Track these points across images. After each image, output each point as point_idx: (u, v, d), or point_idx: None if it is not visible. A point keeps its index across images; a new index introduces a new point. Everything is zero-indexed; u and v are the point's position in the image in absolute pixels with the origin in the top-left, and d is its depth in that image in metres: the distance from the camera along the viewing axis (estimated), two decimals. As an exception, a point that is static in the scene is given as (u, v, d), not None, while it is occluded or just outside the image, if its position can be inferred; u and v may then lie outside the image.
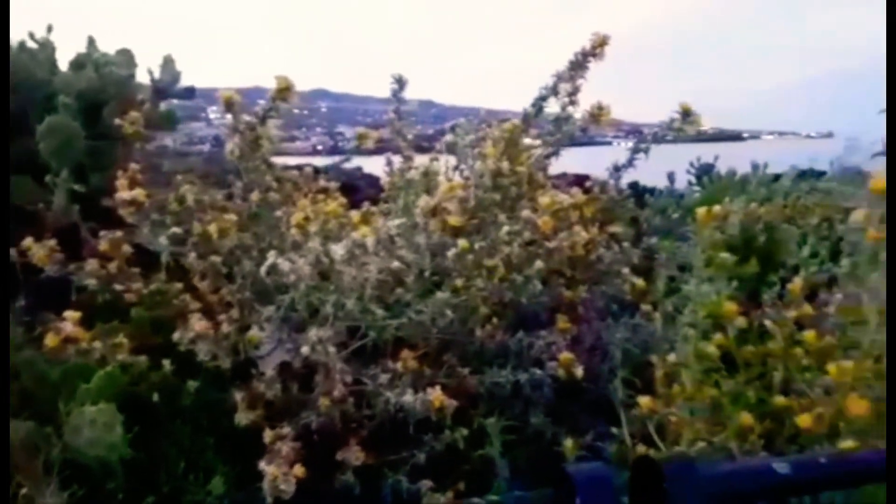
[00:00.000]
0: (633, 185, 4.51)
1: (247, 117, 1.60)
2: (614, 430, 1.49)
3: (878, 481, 1.12)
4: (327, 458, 1.56)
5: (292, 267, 1.33)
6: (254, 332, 1.40)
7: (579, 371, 1.64)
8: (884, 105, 1.37)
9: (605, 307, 2.10)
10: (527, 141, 2.06)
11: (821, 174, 4.13)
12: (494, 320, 1.87)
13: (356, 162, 3.46)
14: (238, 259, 1.62)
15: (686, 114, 1.79)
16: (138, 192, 1.60)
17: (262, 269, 1.34)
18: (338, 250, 1.31)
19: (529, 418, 1.81)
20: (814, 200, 2.25)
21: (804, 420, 1.22)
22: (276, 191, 1.68)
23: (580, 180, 2.50)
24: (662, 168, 3.78)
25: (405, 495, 1.52)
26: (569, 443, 1.37)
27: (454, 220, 1.42)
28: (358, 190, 2.99)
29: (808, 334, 1.34)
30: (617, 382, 1.52)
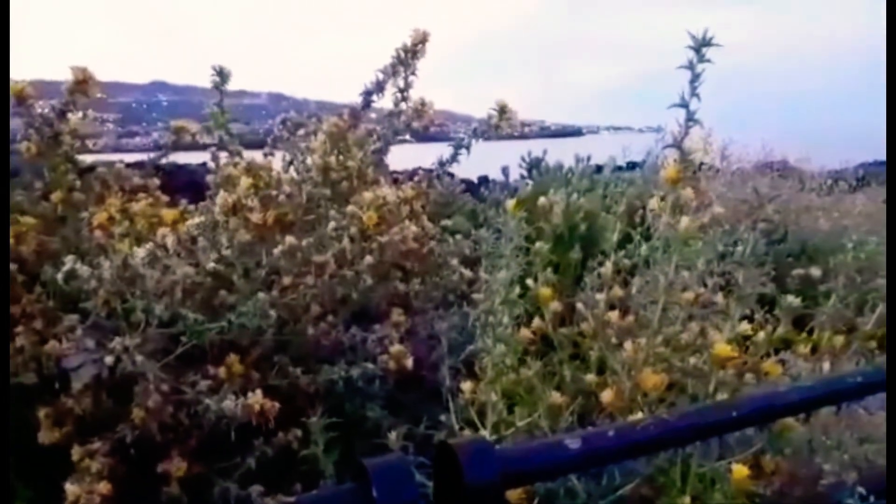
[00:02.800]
0: (484, 179, 4.65)
1: (42, 112, 1.48)
2: (443, 417, 1.53)
3: (664, 449, 1.23)
4: (149, 471, 1.49)
5: (93, 272, 1.25)
6: (52, 344, 1.30)
7: (409, 362, 1.66)
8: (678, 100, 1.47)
9: (442, 298, 2.14)
10: (358, 135, 2.06)
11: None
12: (330, 318, 1.85)
13: (202, 158, 3.28)
14: (41, 265, 1.50)
15: (502, 110, 1.87)
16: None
17: (59, 276, 1.24)
18: (139, 252, 1.24)
19: (367, 412, 1.82)
20: (622, 189, 2.42)
21: (606, 395, 1.30)
22: (81, 190, 1.57)
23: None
24: (512, 163, 3.89)
25: (233, 502, 1.48)
26: (392, 434, 1.39)
27: (257, 218, 1.39)
28: (203, 188, 2.86)
29: (612, 314, 1.44)
30: (444, 371, 1.55)
